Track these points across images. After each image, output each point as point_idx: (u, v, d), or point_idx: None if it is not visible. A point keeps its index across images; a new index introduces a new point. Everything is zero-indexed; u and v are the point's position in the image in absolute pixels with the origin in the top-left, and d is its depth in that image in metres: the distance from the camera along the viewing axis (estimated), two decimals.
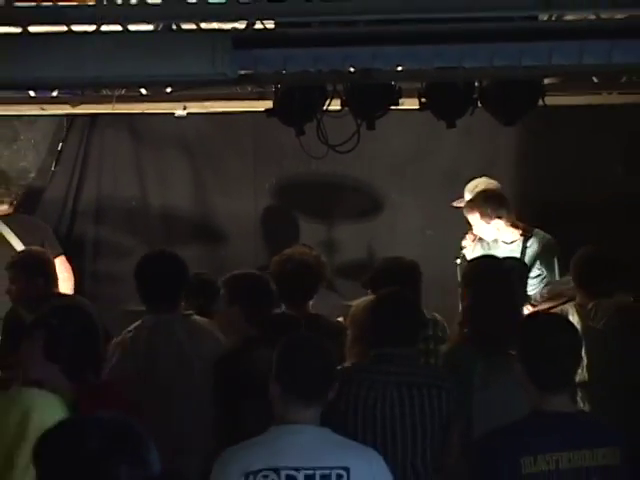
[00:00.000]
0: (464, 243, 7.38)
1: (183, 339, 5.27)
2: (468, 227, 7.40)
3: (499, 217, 7.13)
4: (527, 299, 6.20)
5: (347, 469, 3.55)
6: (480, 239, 7.26)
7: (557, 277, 6.96)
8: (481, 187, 7.37)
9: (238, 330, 5.11)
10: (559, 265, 6.99)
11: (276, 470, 3.49)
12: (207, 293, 6.05)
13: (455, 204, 7.48)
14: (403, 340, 4.64)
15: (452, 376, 4.76)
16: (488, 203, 7.13)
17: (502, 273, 5.16)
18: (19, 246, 7.23)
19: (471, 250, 7.30)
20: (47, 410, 2.72)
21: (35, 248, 6.72)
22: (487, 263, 5.59)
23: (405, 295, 4.88)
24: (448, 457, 4.65)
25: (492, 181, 7.43)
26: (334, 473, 3.54)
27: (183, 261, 5.57)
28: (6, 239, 7.31)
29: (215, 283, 6.18)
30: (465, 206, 7.24)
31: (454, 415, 4.62)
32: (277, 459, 3.52)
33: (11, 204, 7.64)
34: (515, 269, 5.74)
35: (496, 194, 7.23)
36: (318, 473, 3.52)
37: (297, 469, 3.49)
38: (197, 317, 5.49)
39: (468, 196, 7.39)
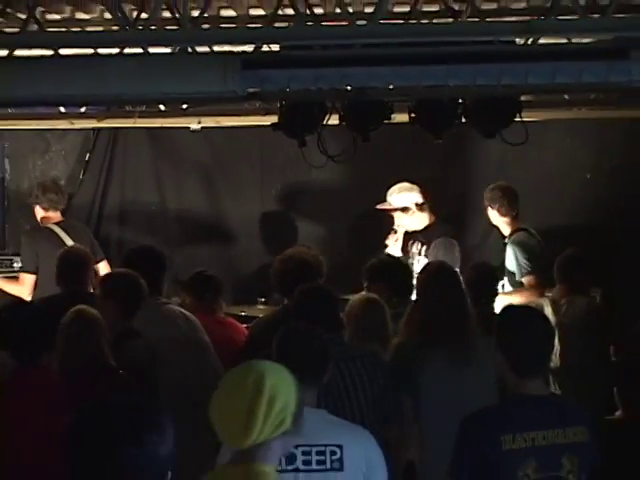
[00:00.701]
0: (387, 242, 7.35)
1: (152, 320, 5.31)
2: (390, 227, 7.39)
3: (491, 206, 7.15)
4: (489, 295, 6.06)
5: (340, 446, 3.54)
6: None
7: (518, 275, 6.88)
8: (399, 190, 7.33)
9: (114, 323, 5.02)
10: (527, 263, 6.91)
11: None
12: (210, 288, 6.04)
13: (379, 207, 7.42)
14: (326, 326, 4.50)
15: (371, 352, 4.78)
16: (492, 192, 7.17)
17: (447, 274, 5.11)
18: None
19: (394, 249, 7.27)
20: (278, 372, 2.91)
21: (77, 247, 6.57)
22: (434, 265, 5.48)
23: (321, 289, 4.87)
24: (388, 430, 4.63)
25: (413, 185, 7.36)
26: (328, 450, 3.53)
27: (162, 255, 5.63)
28: (65, 243, 7.12)
29: (217, 279, 6.19)
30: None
31: (386, 383, 4.63)
32: None
33: (62, 210, 7.50)
34: (473, 269, 5.74)
35: (501, 189, 7.17)
36: (314, 450, 3.52)
37: (296, 446, 3.48)
38: (171, 306, 5.56)
39: (389, 198, 7.35)
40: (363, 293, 5.49)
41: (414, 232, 7.35)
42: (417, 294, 5.11)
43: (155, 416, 2.27)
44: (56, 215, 7.43)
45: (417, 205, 7.28)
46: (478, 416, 3.79)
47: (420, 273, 5.34)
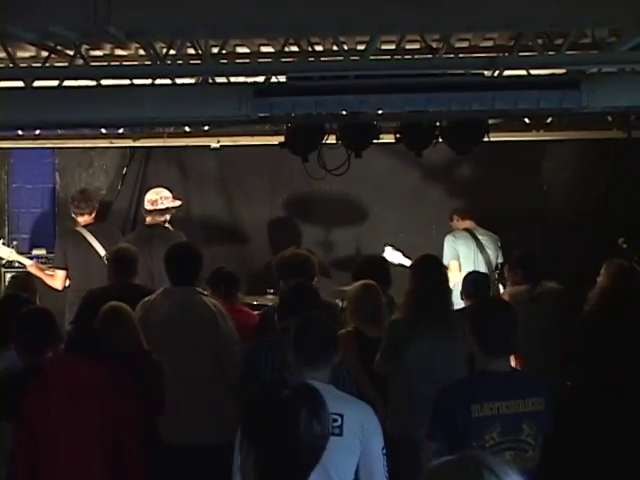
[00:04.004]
0: None
1: (185, 305, 5.16)
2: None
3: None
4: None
5: (342, 415, 3.50)
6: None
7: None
8: (160, 193, 7.22)
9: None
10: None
11: None
12: (228, 282, 6.01)
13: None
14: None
15: None
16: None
17: (436, 266, 5.10)
18: (100, 249, 7.10)
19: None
20: None
21: (126, 247, 6.37)
22: (426, 258, 5.49)
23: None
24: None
25: (158, 191, 7.22)
26: (331, 418, 3.50)
27: (199, 251, 5.40)
28: (90, 243, 7.15)
29: (232, 275, 6.15)
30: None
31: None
32: None
33: (90, 215, 7.45)
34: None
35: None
36: None
37: None
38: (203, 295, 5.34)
39: (149, 197, 7.21)
40: (363, 280, 5.44)
41: None
42: (412, 279, 5.07)
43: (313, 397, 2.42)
44: (83, 219, 7.39)
45: (144, 209, 7.20)
46: (451, 387, 3.79)
47: (412, 264, 5.35)
